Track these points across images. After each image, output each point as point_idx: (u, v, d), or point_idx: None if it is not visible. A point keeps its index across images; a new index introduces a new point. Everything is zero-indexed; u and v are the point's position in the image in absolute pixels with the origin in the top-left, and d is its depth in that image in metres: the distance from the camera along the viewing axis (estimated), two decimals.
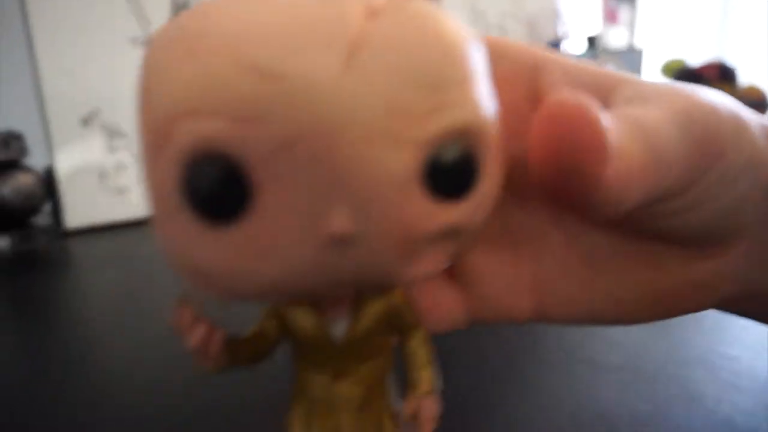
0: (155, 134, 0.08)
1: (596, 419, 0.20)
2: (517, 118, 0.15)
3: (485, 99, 0.09)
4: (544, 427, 0.19)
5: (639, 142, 0.10)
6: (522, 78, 0.14)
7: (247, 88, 0.08)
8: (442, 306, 0.11)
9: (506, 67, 0.15)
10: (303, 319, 0.12)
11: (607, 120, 0.09)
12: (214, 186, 0.08)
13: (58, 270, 0.46)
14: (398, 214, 0.09)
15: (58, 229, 0.53)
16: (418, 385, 0.13)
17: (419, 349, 0.13)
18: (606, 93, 0.13)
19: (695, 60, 0.87)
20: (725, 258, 0.16)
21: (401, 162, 0.09)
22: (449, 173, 0.09)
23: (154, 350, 0.29)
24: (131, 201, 0.57)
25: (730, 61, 0.78)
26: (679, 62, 0.81)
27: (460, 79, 0.09)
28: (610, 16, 2.51)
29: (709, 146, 0.12)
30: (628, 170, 0.09)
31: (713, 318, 0.28)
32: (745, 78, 0.77)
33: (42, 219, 0.53)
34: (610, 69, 0.15)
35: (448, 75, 0.09)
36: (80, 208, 0.54)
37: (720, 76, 0.72)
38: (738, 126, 0.12)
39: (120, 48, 0.58)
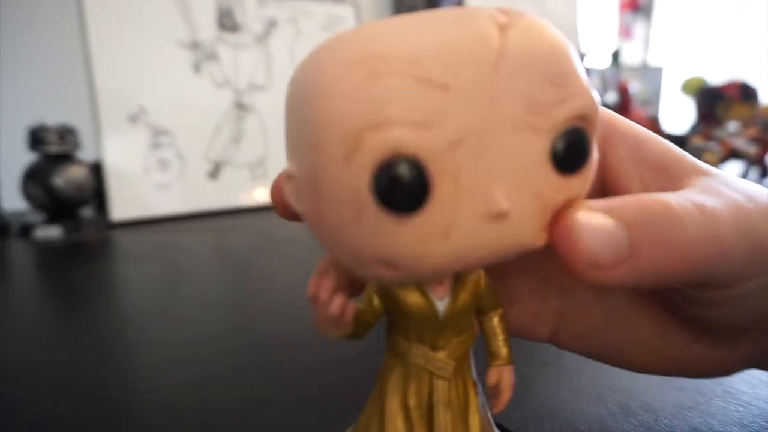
0: (345, 145, 0.11)
1: (644, 408, 0.21)
2: None
3: (590, 88, 0.12)
4: (595, 414, 0.21)
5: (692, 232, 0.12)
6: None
7: (422, 100, 0.11)
8: None
9: None
10: (413, 298, 0.14)
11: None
12: (403, 183, 0.11)
13: (102, 260, 0.49)
14: (539, 189, 0.12)
15: (104, 221, 0.55)
16: (499, 357, 0.15)
17: (498, 327, 0.15)
18: (672, 177, 0.15)
19: (715, 78, 0.88)
20: (735, 351, 0.18)
21: (539, 146, 0.12)
22: (570, 152, 0.12)
23: (188, 335, 0.30)
24: (172, 197, 0.59)
25: (751, 79, 0.80)
26: (700, 80, 0.83)
27: (575, 74, 0.12)
28: (625, 32, 2.53)
29: (759, 258, 0.14)
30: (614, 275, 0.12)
31: None
32: (766, 97, 0.78)
33: (89, 211, 0.55)
34: (677, 150, 0.16)
35: (566, 72, 0.12)
36: (125, 202, 0.56)
37: (741, 94, 0.74)
38: None
39: (167, 49, 0.61)
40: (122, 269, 0.46)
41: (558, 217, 0.12)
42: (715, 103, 0.76)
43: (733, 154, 0.72)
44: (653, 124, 0.75)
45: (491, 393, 0.15)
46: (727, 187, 0.14)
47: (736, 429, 0.20)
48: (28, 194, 0.51)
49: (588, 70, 0.86)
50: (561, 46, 0.12)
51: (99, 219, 0.55)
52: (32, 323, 0.34)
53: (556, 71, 0.12)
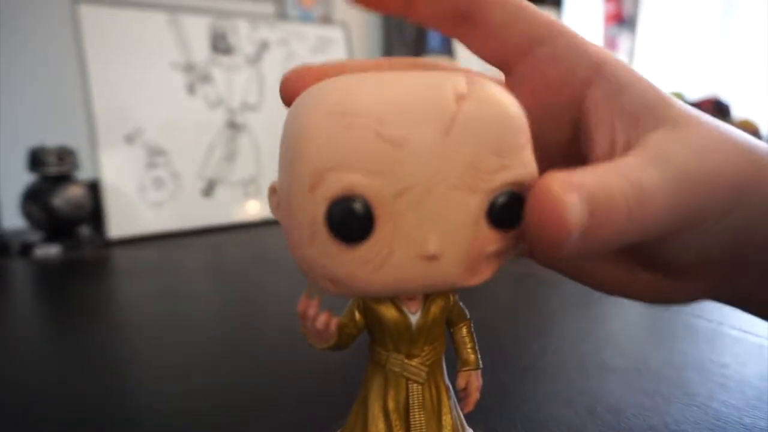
0: (311, 179, 0.13)
1: (608, 410, 0.23)
2: (554, 124, 0.19)
3: (532, 159, 0.15)
4: (565, 416, 0.23)
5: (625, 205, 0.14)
6: (573, 85, 0.18)
7: (379, 152, 0.13)
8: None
9: (564, 68, 0.18)
10: (390, 312, 0.16)
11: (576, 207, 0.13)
12: (350, 217, 0.13)
13: (100, 277, 0.50)
14: (471, 240, 0.14)
15: (101, 239, 0.57)
16: (468, 362, 0.17)
17: (467, 336, 0.17)
18: (642, 127, 0.17)
19: (692, 93, 0.91)
20: (686, 285, 0.20)
21: (475, 204, 0.14)
22: (504, 213, 0.15)
23: (185, 349, 0.32)
24: (167, 214, 0.61)
25: (725, 95, 0.83)
26: (678, 95, 0.86)
27: (519, 147, 0.14)
28: (610, 45, 2.58)
29: (696, 217, 0.16)
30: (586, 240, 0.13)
31: (707, 332, 0.32)
32: (739, 112, 0.82)
33: (87, 229, 0.57)
34: (655, 97, 0.17)
35: (511, 144, 0.14)
36: (122, 219, 0.58)
37: (715, 110, 0.77)
38: (744, 187, 0.16)
39: (162, 71, 0.63)
40: (120, 285, 0.48)
41: (543, 187, 0.13)
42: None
43: None
44: None
45: (461, 395, 0.17)
46: (681, 146, 0.15)
47: (690, 428, 0.22)
48: (27, 214, 0.53)
49: None
50: (510, 120, 0.14)
51: (96, 237, 0.56)
52: (33, 339, 0.35)
53: (500, 144, 0.14)
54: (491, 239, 0.14)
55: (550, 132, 0.18)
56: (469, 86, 0.14)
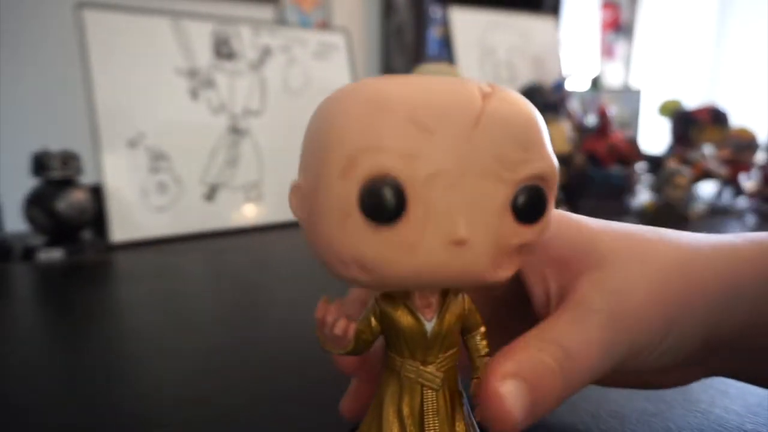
0: (345, 162, 0.14)
1: (611, 416, 0.24)
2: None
3: (552, 155, 0.16)
4: (568, 422, 0.24)
5: (557, 376, 0.15)
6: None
7: (411, 137, 0.13)
8: None
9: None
10: (406, 319, 0.16)
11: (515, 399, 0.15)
12: (382, 196, 0.14)
13: (103, 280, 0.50)
14: (497, 230, 0.15)
15: (104, 243, 0.57)
16: (482, 369, 0.17)
17: (480, 344, 0.17)
18: (571, 272, 0.18)
19: (689, 101, 0.92)
20: (687, 376, 0.22)
21: (502, 194, 0.15)
22: (528, 206, 0.15)
23: (188, 352, 0.32)
24: (170, 219, 0.61)
25: (722, 104, 0.84)
26: (676, 103, 0.87)
27: (540, 142, 0.15)
28: (607, 52, 2.59)
29: (636, 349, 0.18)
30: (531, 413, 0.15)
31: None
32: (736, 120, 0.82)
33: (90, 233, 0.57)
34: (582, 245, 0.19)
35: (533, 140, 0.15)
36: (124, 224, 0.58)
37: (713, 119, 0.78)
38: (678, 307, 0.18)
39: (165, 76, 0.63)
40: (123, 289, 0.48)
41: (489, 385, 0.15)
42: (689, 126, 0.79)
43: (707, 174, 0.75)
44: (632, 146, 0.78)
45: (474, 402, 0.17)
46: (600, 291, 0.17)
47: None
48: (30, 218, 0.53)
49: (570, 94, 0.89)
50: (532, 118, 0.15)
51: (99, 241, 0.57)
52: (35, 342, 0.35)
53: (524, 137, 0.15)
54: (515, 232, 0.15)
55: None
56: (492, 87, 0.15)
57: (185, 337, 0.35)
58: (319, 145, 0.14)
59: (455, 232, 0.14)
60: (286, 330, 0.36)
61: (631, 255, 0.17)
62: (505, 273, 0.15)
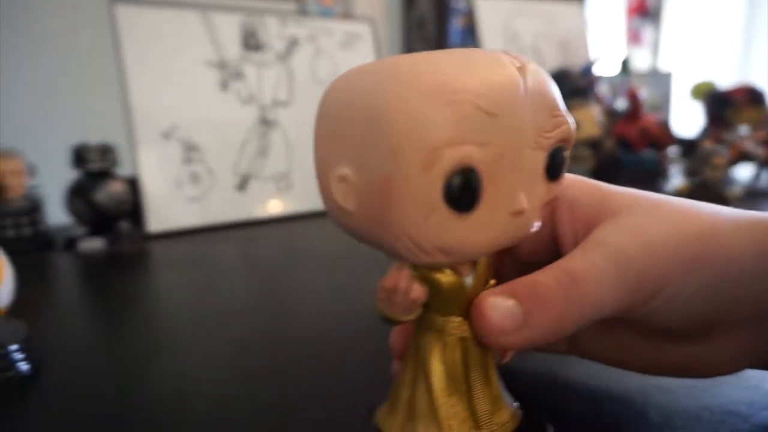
0: (426, 157, 0.14)
1: (659, 391, 0.24)
2: (535, 240, 0.21)
3: (569, 116, 0.17)
4: (617, 393, 0.23)
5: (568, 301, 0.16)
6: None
7: (481, 124, 0.14)
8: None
9: None
10: (446, 278, 0.16)
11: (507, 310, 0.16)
12: (469, 187, 0.14)
13: (140, 269, 0.51)
14: (539, 191, 0.16)
15: (141, 233, 0.58)
16: None
17: None
18: (593, 225, 0.19)
19: (723, 82, 0.90)
20: (712, 344, 0.22)
21: (540, 159, 0.16)
22: (555, 164, 0.16)
23: (222, 337, 0.33)
24: (203, 209, 0.62)
25: (759, 83, 0.81)
26: (709, 84, 0.85)
27: (561, 107, 0.16)
28: (634, 37, 2.53)
29: (643, 288, 0.18)
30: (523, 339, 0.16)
31: None
32: None
33: (127, 224, 0.58)
34: (601, 200, 0.20)
35: (557, 105, 0.16)
36: (160, 214, 0.59)
37: (749, 99, 0.76)
38: (692, 256, 0.19)
39: (196, 69, 0.64)
40: (159, 277, 0.49)
41: (474, 302, 0.16)
42: (724, 107, 0.77)
43: (744, 156, 0.74)
44: (664, 129, 0.77)
45: (497, 350, 0.18)
46: (613, 229, 0.18)
47: (744, 408, 0.22)
48: (71, 209, 0.55)
49: (598, 78, 0.88)
50: (553, 86, 0.16)
51: (136, 231, 0.58)
52: (78, 327, 0.36)
53: (553, 104, 0.16)
54: (548, 189, 0.17)
55: (532, 244, 0.21)
56: (518, 59, 0.16)
57: (219, 322, 0.36)
58: (382, 138, 0.14)
59: (519, 205, 0.15)
60: (316, 317, 0.37)
61: (646, 208, 0.18)
62: (539, 224, 0.17)
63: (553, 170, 0.16)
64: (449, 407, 0.16)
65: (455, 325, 0.17)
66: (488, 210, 0.15)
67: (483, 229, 0.15)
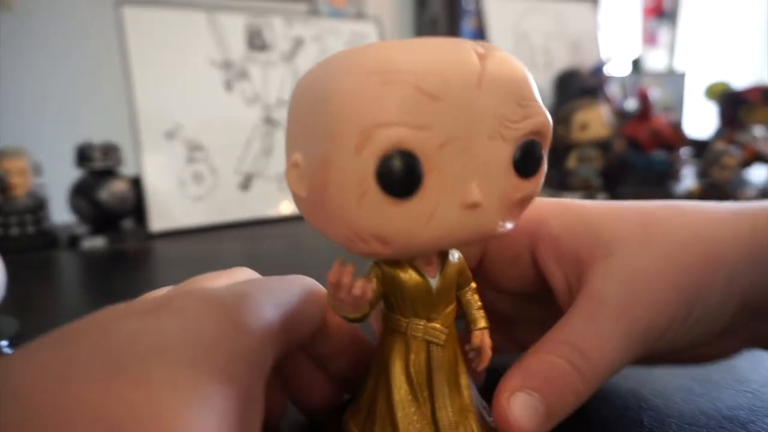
0: (357, 138, 0.13)
1: (654, 395, 0.23)
2: (517, 263, 0.21)
3: (544, 109, 0.16)
4: (611, 400, 0.23)
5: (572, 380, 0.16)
6: (526, 232, 0.20)
7: (421, 106, 0.13)
8: None
9: (509, 240, 0.20)
10: (411, 278, 0.16)
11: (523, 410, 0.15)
12: (400, 171, 0.13)
13: (143, 268, 0.52)
14: (503, 187, 0.15)
15: (144, 232, 0.58)
16: (479, 322, 0.17)
17: (473, 297, 0.17)
18: (584, 264, 0.19)
19: (739, 83, 0.88)
20: (713, 344, 0.21)
21: (506, 153, 0.15)
22: (527, 160, 0.15)
23: None
24: (206, 208, 0.63)
25: None
26: (724, 85, 0.83)
27: (535, 98, 0.15)
28: (650, 38, 2.50)
29: (649, 338, 0.17)
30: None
31: None
32: None
33: (130, 222, 0.59)
34: (586, 235, 0.19)
35: (529, 95, 0.15)
36: (163, 213, 0.59)
37: (764, 99, 0.74)
38: (696, 288, 0.18)
39: (201, 69, 0.64)
40: (161, 276, 0.49)
41: (496, 400, 0.15)
42: (738, 107, 0.76)
43: (758, 157, 0.72)
44: (675, 131, 0.75)
45: (472, 355, 0.17)
46: (610, 281, 0.17)
47: (744, 413, 0.21)
48: (75, 207, 0.55)
49: (608, 78, 0.86)
50: (524, 74, 0.15)
51: (139, 230, 0.58)
52: None
53: (521, 94, 0.15)
54: (518, 186, 0.15)
55: (509, 281, 0.21)
56: (484, 47, 0.15)
57: None
58: (322, 120, 0.14)
59: (469, 197, 0.14)
60: None
61: (639, 239, 0.17)
62: (509, 225, 0.16)
63: (525, 165, 0.15)
64: (408, 415, 0.16)
65: (420, 327, 0.16)
66: (431, 199, 0.14)
67: (426, 220, 0.14)
